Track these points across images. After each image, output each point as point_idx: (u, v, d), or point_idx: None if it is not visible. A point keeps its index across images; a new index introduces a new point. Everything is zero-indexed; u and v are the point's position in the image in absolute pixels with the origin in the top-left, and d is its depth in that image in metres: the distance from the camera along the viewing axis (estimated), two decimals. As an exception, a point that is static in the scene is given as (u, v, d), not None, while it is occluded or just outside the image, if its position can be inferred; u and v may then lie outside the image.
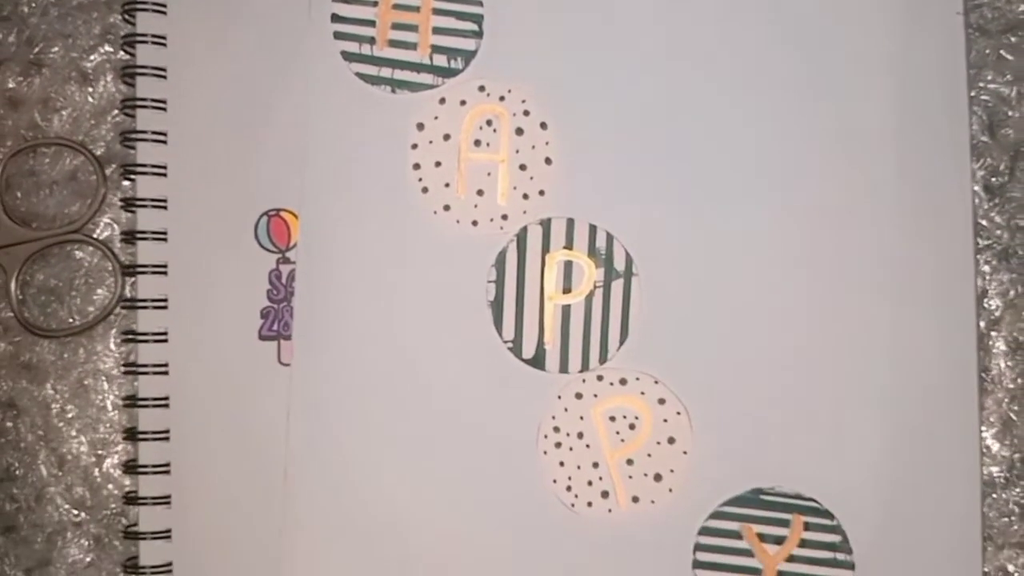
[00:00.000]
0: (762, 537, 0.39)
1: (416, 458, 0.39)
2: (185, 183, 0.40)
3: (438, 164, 0.40)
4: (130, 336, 0.40)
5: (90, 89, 0.42)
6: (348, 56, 0.40)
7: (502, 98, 0.40)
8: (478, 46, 0.40)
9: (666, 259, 0.40)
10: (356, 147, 0.40)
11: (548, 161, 0.40)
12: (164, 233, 0.40)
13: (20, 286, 0.41)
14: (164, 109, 0.41)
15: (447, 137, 0.40)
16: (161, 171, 0.40)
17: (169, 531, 0.40)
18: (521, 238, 0.40)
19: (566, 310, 0.40)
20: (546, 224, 0.40)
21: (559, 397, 0.39)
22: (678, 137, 0.40)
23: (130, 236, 0.41)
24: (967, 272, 0.39)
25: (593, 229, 0.40)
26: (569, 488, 0.39)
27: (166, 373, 0.40)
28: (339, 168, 0.40)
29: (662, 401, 0.39)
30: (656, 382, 0.39)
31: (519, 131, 0.40)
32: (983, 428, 0.40)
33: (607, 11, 0.40)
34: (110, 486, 0.41)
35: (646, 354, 0.39)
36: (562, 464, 0.39)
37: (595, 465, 0.39)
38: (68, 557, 0.41)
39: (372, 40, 0.40)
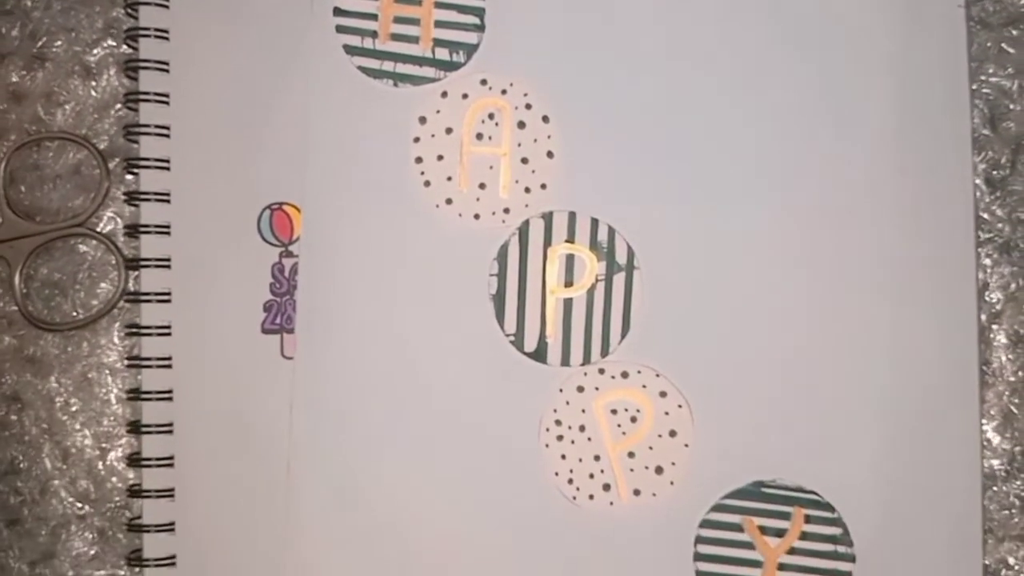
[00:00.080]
0: (763, 530, 0.39)
1: (418, 451, 0.39)
2: (188, 177, 0.40)
3: (440, 158, 0.40)
4: (133, 330, 0.40)
5: (93, 83, 0.42)
6: (350, 50, 0.40)
7: (504, 92, 0.40)
8: (480, 40, 0.40)
9: (668, 253, 0.40)
10: (358, 141, 0.40)
11: (550, 155, 0.40)
12: (167, 227, 0.40)
13: (24, 280, 0.41)
14: (167, 103, 0.41)
15: (449, 131, 0.40)
16: (164, 165, 0.40)
17: (173, 524, 0.40)
18: (523, 232, 0.40)
19: (568, 303, 0.40)
20: (548, 218, 0.40)
21: (561, 390, 0.40)
22: (680, 130, 0.40)
23: (133, 230, 0.41)
24: (968, 265, 0.39)
25: (595, 223, 0.40)
26: (571, 481, 0.39)
27: (169, 366, 0.40)
28: (341, 162, 0.40)
29: (664, 394, 0.39)
30: (657, 375, 0.39)
31: (521, 125, 0.40)
32: (984, 421, 0.40)
33: (609, 5, 0.40)
34: (114, 479, 0.41)
35: (648, 347, 0.39)
36: (564, 457, 0.39)
37: (596, 458, 0.39)
38: (72, 550, 0.41)
39: (374, 34, 0.40)
